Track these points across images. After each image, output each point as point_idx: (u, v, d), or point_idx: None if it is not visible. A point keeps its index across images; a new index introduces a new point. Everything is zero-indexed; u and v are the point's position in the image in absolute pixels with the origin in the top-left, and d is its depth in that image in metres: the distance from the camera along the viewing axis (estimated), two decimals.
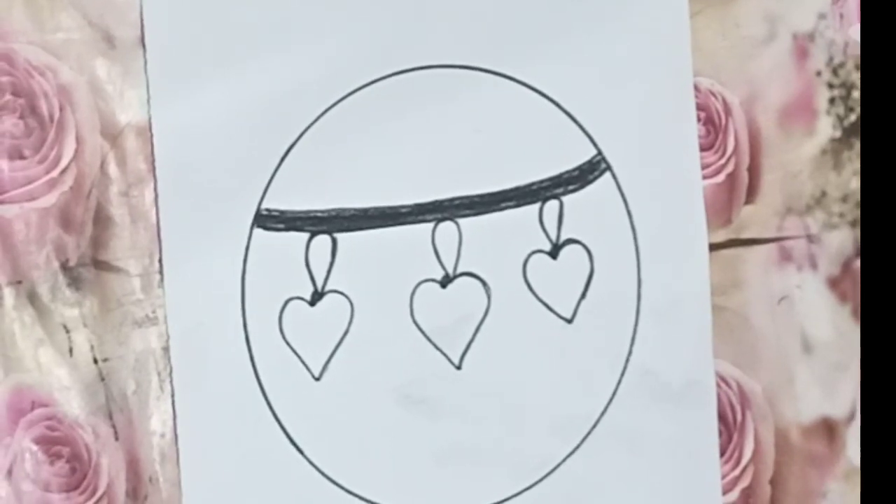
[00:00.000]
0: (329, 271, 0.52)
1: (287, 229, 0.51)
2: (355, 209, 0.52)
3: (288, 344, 0.52)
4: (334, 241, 0.52)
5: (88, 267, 0.49)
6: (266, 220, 0.51)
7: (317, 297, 0.52)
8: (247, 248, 0.51)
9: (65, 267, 0.48)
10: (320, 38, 0.51)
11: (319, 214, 0.52)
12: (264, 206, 0.51)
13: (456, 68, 0.53)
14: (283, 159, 0.51)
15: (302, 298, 0.52)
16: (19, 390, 0.48)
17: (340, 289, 0.52)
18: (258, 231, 0.51)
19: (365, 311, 0.52)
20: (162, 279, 0.50)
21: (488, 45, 0.54)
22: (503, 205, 0.54)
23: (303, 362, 0.52)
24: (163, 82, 0.49)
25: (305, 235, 0.52)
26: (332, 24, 0.51)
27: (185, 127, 0.50)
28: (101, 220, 0.49)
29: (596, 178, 0.56)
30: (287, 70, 0.51)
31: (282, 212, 0.51)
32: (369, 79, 0.52)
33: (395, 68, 0.52)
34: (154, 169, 0.49)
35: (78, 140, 0.48)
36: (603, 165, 0.56)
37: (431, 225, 0.53)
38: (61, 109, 0.48)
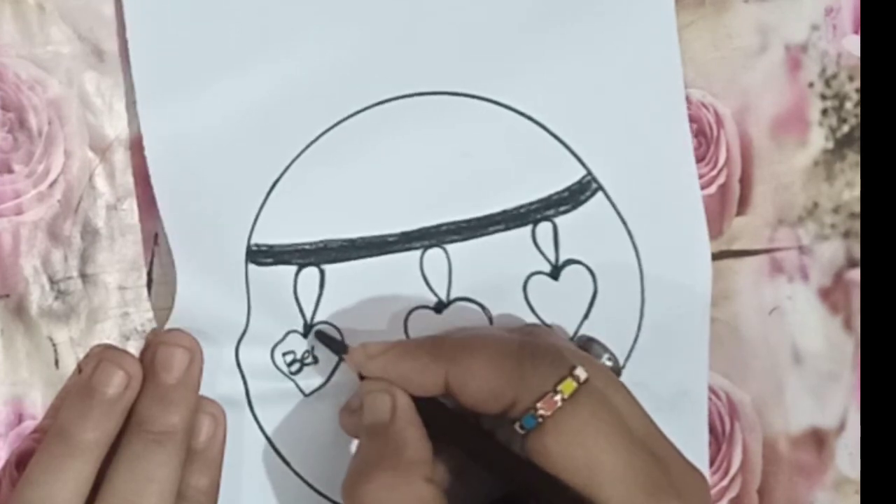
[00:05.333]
0: (318, 303, 0.52)
1: (276, 263, 0.51)
2: (342, 240, 0.52)
3: (279, 369, 0.52)
4: (322, 273, 0.52)
5: (76, 280, 0.49)
6: (256, 255, 0.51)
7: (308, 328, 0.52)
8: (247, 285, 0.50)
9: (52, 280, 0.49)
10: (305, 69, 0.51)
11: (307, 247, 0.51)
12: (253, 241, 0.51)
13: (440, 94, 0.53)
14: (268, 194, 0.51)
15: (295, 331, 0.52)
16: (7, 403, 0.48)
17: (330, 320, 0.52)
18: (251, 266, 0.51)
19: (356, 340, 0.51)
20: (150, 293, 0.50)
21: (471, 70, 0.53)
22: (491, 229, 0.54)
23: (296, 385, 0.52)
24: (150, 98, 0.49)
25: (293, 268, 0.51)
26: (317, 53, 0.51)
27: (173, 148, 0.49)
28: (89, 233, 0.49)
29: (588, 198, 0.55)
30: (271, 104, 0.50)
31: (270, 246, 0.51)
32: (354, 109, 0.52)
33: (379, 98, 0.52)
34: (141, 183, 0.49)
35: (66, 154, 0.49)
36: (594, 185, 0.55)
37: (419, 252, 0.53)
38: (50, 123, 0.48)
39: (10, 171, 0.48)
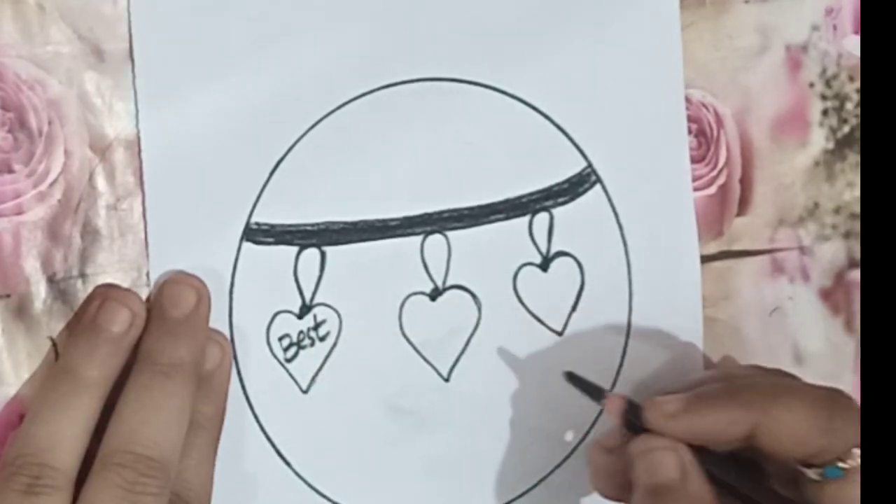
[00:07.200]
0: (317, 284, 0.52)
1: (276, 243, 0.51)
2: (345, 223, 0.52)
3: (275, 356, 0.52)
4: (323, 255, 0.52)
5: (76, 280, 0.49)
6: (255, 233, 0.51)
7: (305, 310, 0.52)
8: (235, 262, 0.51)
9: (52, 280, 0.49)
10: (309, 52, 0.51)
11: (309, 228, 0.52)
12: (253, 220, 0.51)
13: (445, 81, 0.53)
14: (272, 173, 0.51)
15: (290, 311, 0.52)
16: (7, 403, 0.48)
17: (329, 302, 0.52)
18: (247, 245, 0.51)
19: (353, 323, 0.53)
20: (150, 293, 0.50)
21: (477, 58, 0.54)
22: (492, 217, 0.54)
23: (290, 375, 0.52)
24: (151, 96, 0.49)
25: (294, 249, 0.52)
26: (321, 37, 0.51)
27: (174, 140, 0.50)
28: (89, 233, 0.49)
29: (586, 190, 0.56)
30: (275, 85, 0.51)
31: (271, 226, 0.51)
32: (358, 92, 0.52)
33: (384, 82, 0.52)
34: (142, 182, 0.50)
35: (66, 154, 0.49)
36: (593, 178, 0.56)
37: (420, 238, 0.53)
38: (50, 123, 0.48)
39: (11, 170, 0.48)
